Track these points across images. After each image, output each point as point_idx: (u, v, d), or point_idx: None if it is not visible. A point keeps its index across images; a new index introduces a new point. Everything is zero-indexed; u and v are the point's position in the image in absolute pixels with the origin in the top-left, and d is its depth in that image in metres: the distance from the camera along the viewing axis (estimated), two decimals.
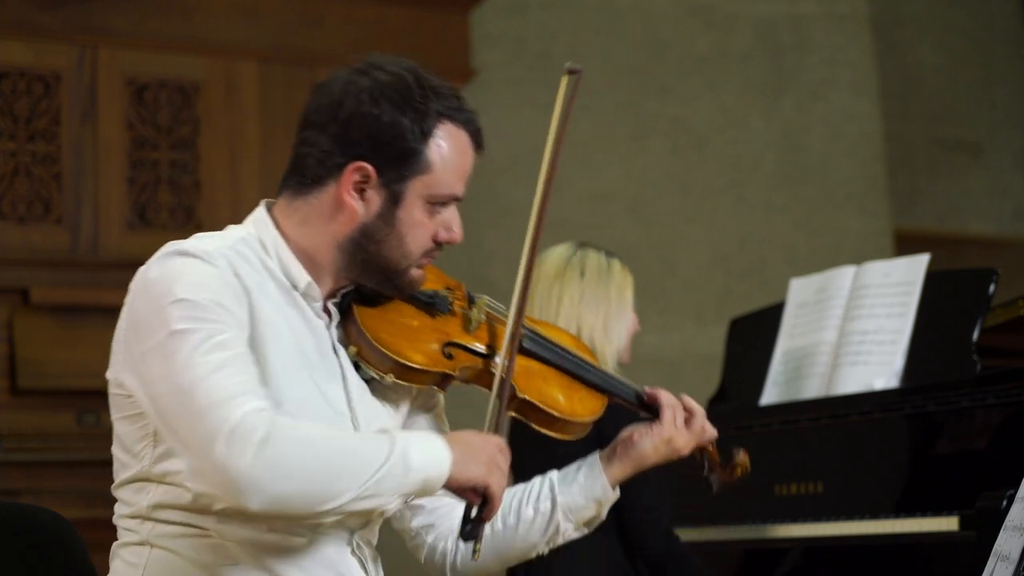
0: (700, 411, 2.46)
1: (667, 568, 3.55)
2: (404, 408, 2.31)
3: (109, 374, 2.13)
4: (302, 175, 2.19)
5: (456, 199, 2.22)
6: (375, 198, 2.17)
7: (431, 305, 2.27)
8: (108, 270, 4.93)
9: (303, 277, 2.18)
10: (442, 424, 2.38)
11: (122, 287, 2.16)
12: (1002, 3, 8.05)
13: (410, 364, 2.20)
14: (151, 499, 2.10)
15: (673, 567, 3.54)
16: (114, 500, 2.17)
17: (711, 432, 2.46)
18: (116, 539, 2.17)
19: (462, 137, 2.22)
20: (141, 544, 2.11)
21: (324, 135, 2.16)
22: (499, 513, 2.34)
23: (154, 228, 5.03)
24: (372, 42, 5.46)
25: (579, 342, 2.47)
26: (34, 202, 5.06)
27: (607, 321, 3.52)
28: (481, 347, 2.28)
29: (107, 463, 2.18)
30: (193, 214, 5.12)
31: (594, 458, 2.41)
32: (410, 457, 2.03)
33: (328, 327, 2.21)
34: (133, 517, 2.12)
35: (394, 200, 2.17)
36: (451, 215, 2.22)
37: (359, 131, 2.15)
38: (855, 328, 3.85)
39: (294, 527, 2.09)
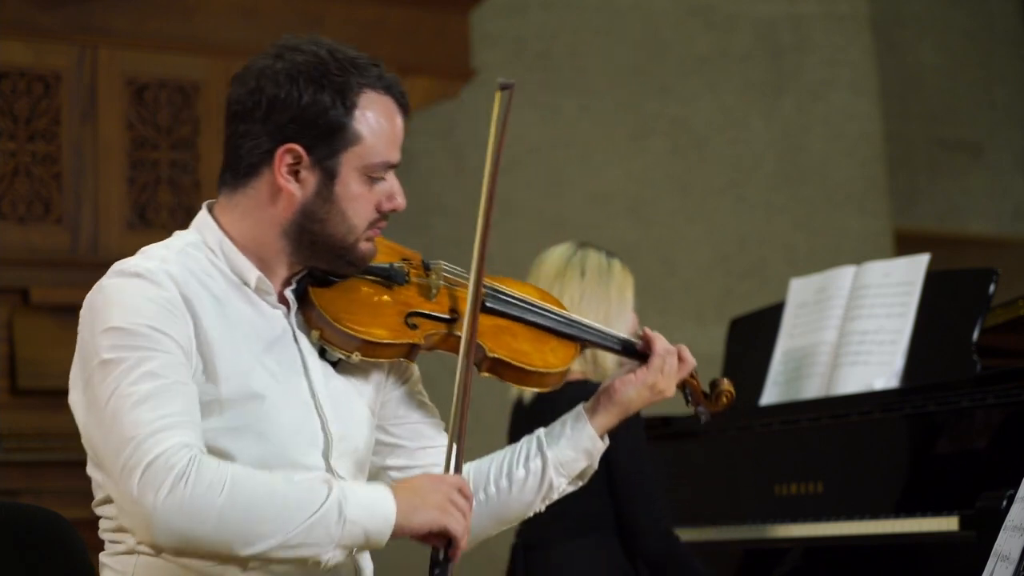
0: (685, 351, 2.42)
1: (667, 568, 3.54)
2: (378, 384, 2.30)
3: (70, 398, 2.13)
4: (235, 168, 2.19)
5: (392, 166, 2.21)
6: (310, 178, 2.16)
7: (388, 278, 2.27)
8: (108, 270, 4.92)
9: (252, 272, 2.18)
10: (420, 395, 2.38)
11: None
12: (1002, 3, 8.05)
13: (374, 339, 2.19)
14: None
15: (673, 567, 3.54)
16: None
17: (691, 363, 2.43)
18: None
19: (386, 103, 2.20)
20: (128, 553, 2.11)
21: (249, 124, 2.16)
22: (490, 478, 2.35)
23: (154, 228, 5.02)
24: (372, 42, 5.47)
25: (544, 293, 2.45)
26: (34, 202, 5.06)
27: (607, 321, 3.51)
28: (443, 313, 2.28)
29: None
30: (193, 214, 5.07)
31: (579, 410, 2.40)
32: (347, 507, 2.01)
33: (287, 316, 2.21)
34: (117, 530, 2.13)
35: (329, 176, 2.16)
36: (391, 183, 2.21)
37: (282, 114, 2.14)
38: (855, 328, 3.84)
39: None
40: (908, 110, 7.68)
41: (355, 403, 2.24)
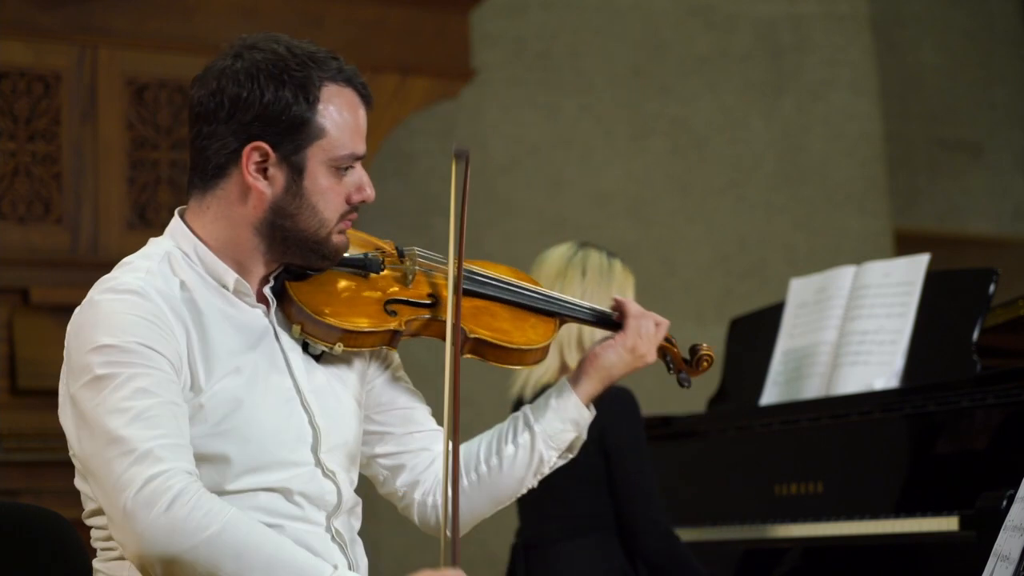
0: (656, 316, 2.45)
1: (667, 568, 3.55)
2: (361, 373, 2.31)
3: (59, 413, 2.14)
4: (203, 171, 2.20)
5: (358, 157, 2.22)
6: (278, 175, 2.17)
7: (363, 268, 2.29)
8: (108, 270, 4.93)
9: (230, 275, 2.19)
10: (403, 380, 2.39)
11: None
12: (1002, 3, 8.05)
13: (356, 329, 2.21)
14: None
15: (673, 567, 3.54)
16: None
17: (665, 323, 2.44)
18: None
19: (348, 95, 2.21)
20: (121, 559, 2.12)
21: (214, 126, 2.17)
22: (480, 458, 2.36)
23: (154, 228, 5.03)
24: (372, 42, 5.47)
25: (518, 272, 2.47)
26: (34, 202, 5.06)
27: None
28: (421, 298, 2.30)
29: None
30: None
31: (563, 381, 2.41)
32: None
33: (267, 315, 2.22)
34: (109, 539, 2.13)
35: (297, 172, 2.17)
36: (359, 175, 2.23)
37: (246, 113, 2.15)
38: (855, 328, 3.85)
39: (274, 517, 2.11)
40: (908, 110, 7.68)
41: (341, 395, 2.26)
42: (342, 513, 2.21)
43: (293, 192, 2.18)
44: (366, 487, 2.37)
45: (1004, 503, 3.17)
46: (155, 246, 2.23)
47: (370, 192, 2.23)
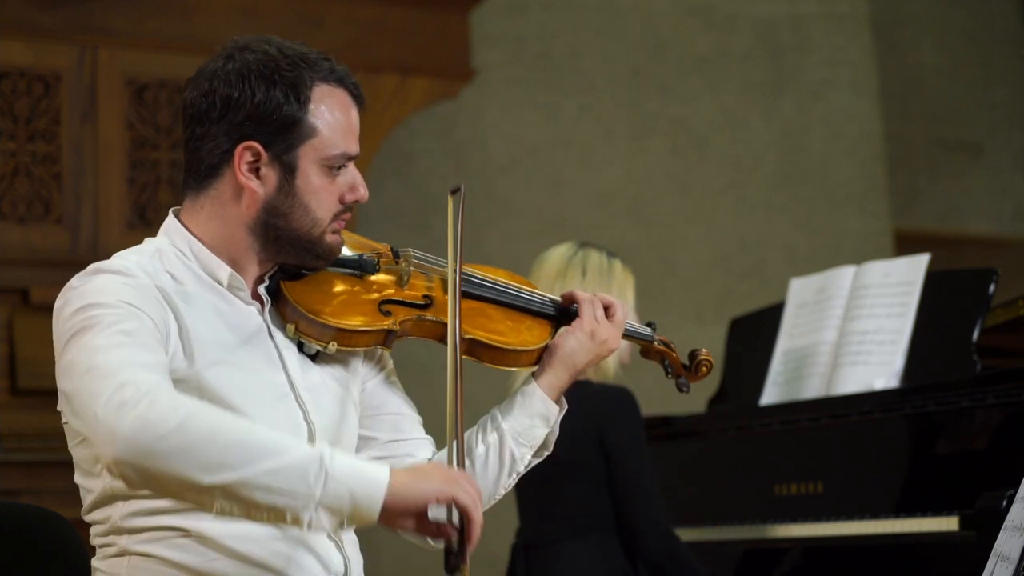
0: (619, 303, 2.43)
1: (667, 568, 3.55)
2: (355, 372, 2.31)
3: (59, 408, 2.13)
4: (197, 171, 2.22)
5: (351, 157, 2.22)
6: (271, 174, 2.18)
7: (359, 268, 2.30)
8: None
9: (224, 269, 2.20)
10: (396, 386, 2.38)
11: None
12: (1002, 3, 8.05)
13: (350, 328, 2.22)
14: (122, 511, 2.11)
15: (673, 567, 3.54)
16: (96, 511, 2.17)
17: (618, 304, 2.42)
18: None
19: (340, 95, 2.22)
20: (120, 555, 2.12)
21: (206, 126, 2.19)
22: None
23: (154, 228, 4.98)
24: (372, 42, 5.47)
25: (514, 275, 2.47)
26: (34, 202, 5.06)
27: None
28: (416, 299, 2.31)
29: None
30: None
31: (528, 377, 2.40)
32: (330, 463, 1.94)
33: (261, 313, 2.22)
34: (108, 533, 2.13)
35: (289, 171, 2.18)
36: (352, 175, 2.23)
37: (237, 113, 2.17)
38: (855, 328, 3.85)
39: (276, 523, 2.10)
40: (908, 110, 7.68)
41: (336, 393, 2.26)
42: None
43: (286, 191, 2.19)
44: None
45: (1004, 503, 3.17)
46: (149, 243, 2.24)
47: (363, 192, 2.24)
